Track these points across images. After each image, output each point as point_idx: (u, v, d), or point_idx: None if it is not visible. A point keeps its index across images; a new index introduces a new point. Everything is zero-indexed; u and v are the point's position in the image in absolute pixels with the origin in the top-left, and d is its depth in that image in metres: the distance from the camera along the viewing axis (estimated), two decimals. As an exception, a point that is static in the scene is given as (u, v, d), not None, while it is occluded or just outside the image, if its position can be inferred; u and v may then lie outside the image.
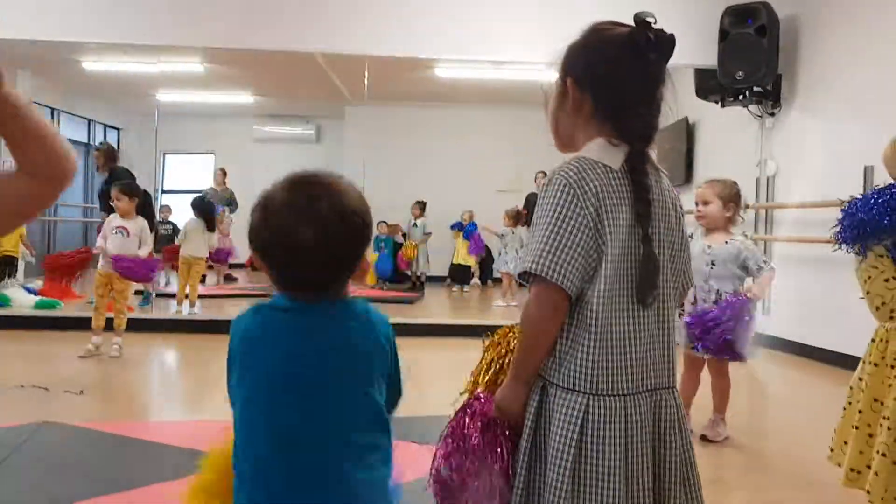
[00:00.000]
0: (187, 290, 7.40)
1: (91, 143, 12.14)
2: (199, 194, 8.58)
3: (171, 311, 7.42)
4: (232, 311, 8.18)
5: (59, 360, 5.22)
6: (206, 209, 7.69)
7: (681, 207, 1.47)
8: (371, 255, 10.54)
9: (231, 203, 10.80)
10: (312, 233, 1.16)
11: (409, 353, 4.98)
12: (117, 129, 13.40)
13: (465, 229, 10.72)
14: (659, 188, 1.40)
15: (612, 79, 1.38)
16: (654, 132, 1.40)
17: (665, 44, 1.37)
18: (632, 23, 1.38)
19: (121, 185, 5.48)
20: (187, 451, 2.93)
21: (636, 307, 1.34)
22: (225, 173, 11.23)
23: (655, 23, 1.37)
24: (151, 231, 5.58)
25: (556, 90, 1.45)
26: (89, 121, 12.30)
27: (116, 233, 5.24)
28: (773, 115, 6.68)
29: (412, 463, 2.81)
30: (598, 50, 1.39)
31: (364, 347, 1.23)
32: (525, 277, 1.34)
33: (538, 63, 8.28)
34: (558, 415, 1.34)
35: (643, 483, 1.33)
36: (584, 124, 1.41)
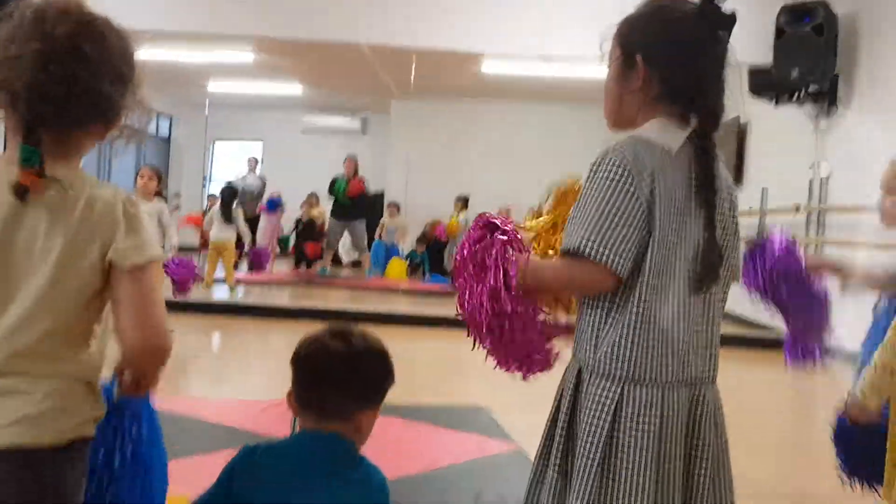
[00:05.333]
0: (222, 274, 7.58)
1: (143, 130, 12.35)
2: (228, 182, 8.72)
3: (215, 296, 7.53)
4: (270, 296, 8.20)
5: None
6: (224, 197, 7.83)
7: (736, 197, 1.42)
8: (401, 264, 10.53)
9: (263, 192, 11.04)
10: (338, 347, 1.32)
11: (445, 344, 4.96)
12: (169, 117, 13.66)
13: None
14: (719, 174, 1.35)
15: (686, 57, 1.32)
16: (723, 114, 1.35)
17: (731, 22, 1.32)
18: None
19: (155, 167, 5.57)
20: (221, 427, 2.96)
21: (684, 295, 1.29)
22: (256, 161, 11.44)
23: (723, 0, 1.32)
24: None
25: (618, 66, 1.37)
26: (142, 109, 12.56)
27: None
28: (828, 115, 6.50)
29: (447, 450, 2.83)
30: (670, 26, 1.33)
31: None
32: (569, 253, 1.28)
33: (586, 59, 8.19)
34: (590, 402, 1.30)
35: (673, 479, 1.28)
36: (648, 102, 1.34)
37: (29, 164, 1.05)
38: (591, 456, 1.27)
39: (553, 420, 1.39)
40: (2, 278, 1.06)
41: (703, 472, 1.30)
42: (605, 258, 1.24)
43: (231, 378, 4.60)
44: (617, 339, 1.28)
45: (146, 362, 1.16)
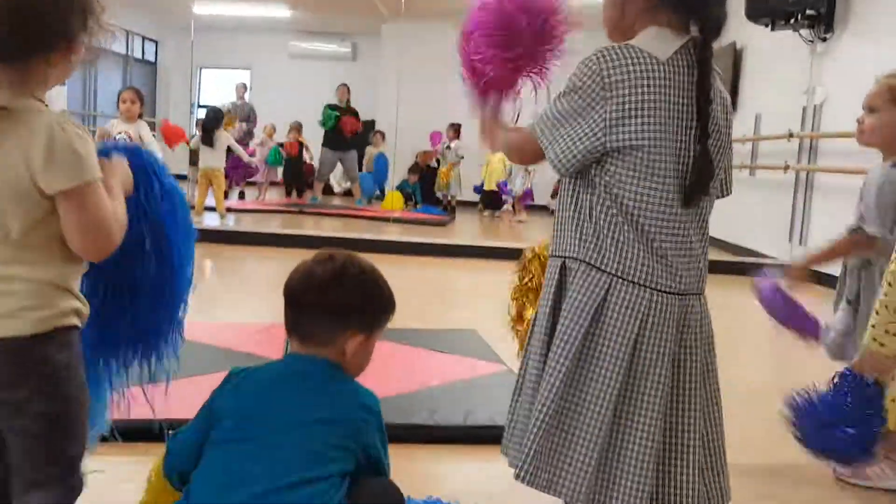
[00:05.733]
0: (212, 202, 7.58)
1: (129, 54, 12.13)
2: (211, 108, 8.54)
3: (206, 223, 7.53)
4: (262, 224, 8.22)
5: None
6: (205, 121, 7.73)
7: (731, 110, 1.42)
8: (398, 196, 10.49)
9: (249, 119, 10.82)
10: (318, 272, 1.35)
11: (438, 272, 5.02)
12: (155, 41, 13.36)
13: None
14: (715, 86, 1.35)
15: None
16: (725, 22, 1.35)
17: None
18: None
19: (136, 89, 5.52)
20: (215, 348, 3.01)
21: (673, 204, 1.30)
22: (245, 87, 11.23)
23: None
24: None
25: None
26: (127, 32, 12.26)
27: (120, 138, 5.20)
28: (824, 40, 6.41)
29: (437, 371, 2.88)
30: None
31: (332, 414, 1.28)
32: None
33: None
34: (576, 288, 1.32)
35: (654, 389, 1.30)
36: (648, 10, 1.34)
37: None
38: (571, 340, 1.31)
39: (536, 320, 1.43)
40: None
41: (691, 381, 1.34)
42: (548, 149, 1.32)
43: (224, 302, 4.63)
44: (608, 239, 1.30)
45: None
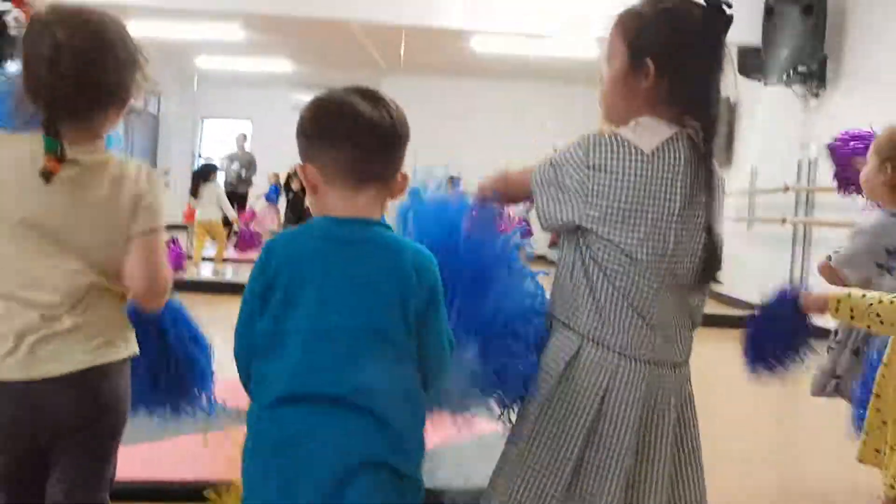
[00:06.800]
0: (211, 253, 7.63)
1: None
2: (203, 164, 8.73)
3: (202, 274, 7.52)
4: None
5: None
6: (194, 172, 7.94)
7: (723, 190, 1.42)
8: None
9: (251, 168, 10.93)
10: (370, 105, 1.26)
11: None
12: (158, 93, 13.53)
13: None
14: (716, 175, 1.37)
15: (698, 67, 1.32)
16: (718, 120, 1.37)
17: (729, 23, 1.33)
18: None
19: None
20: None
21: (655, 288, 1.29)
22: (245, 138, 11.39)
23: (730, 7, 1.32)
24: None
25: (624, 64, 1.34)
26: (130, 85, 12.43)
27: None
28: (817, 96, 6.51)
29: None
30: (678, 31, 1.31)
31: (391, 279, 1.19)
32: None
33: (575, 39, 8.18)
34: (551, 347, 1.35)
35: (616, 448, 1.28)
36: (648, 102, 1.33)
37: (51, 152, 1.23)
38: (537, 399, 1.32)
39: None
40: (49, 241, 1.26)
41: (657, 452, 1.31)
42: (537, 200, 1.36)
43: (219, 358, 4.61)
44: (581, 298, 1.31)
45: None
